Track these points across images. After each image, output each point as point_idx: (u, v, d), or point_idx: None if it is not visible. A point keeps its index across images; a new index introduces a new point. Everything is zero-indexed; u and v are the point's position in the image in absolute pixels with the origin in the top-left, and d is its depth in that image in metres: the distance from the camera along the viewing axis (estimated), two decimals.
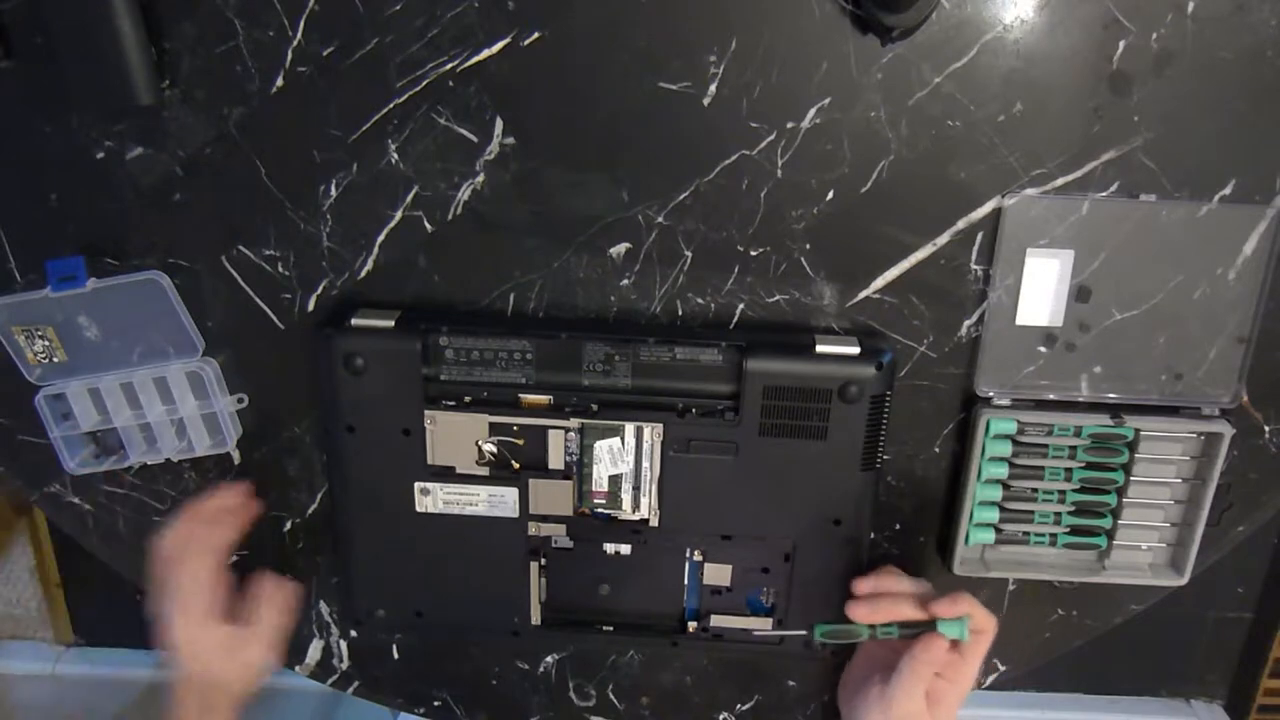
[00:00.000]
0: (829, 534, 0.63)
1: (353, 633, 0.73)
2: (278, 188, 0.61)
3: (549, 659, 0.73)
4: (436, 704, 0.75)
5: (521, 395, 0.61)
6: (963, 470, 0.64)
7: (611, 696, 0.74)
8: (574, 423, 0.61)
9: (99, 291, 0.62)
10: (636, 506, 0.63)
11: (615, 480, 0.62)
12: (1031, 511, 0.65)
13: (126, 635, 1.55)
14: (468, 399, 0.61)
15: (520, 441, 0.62)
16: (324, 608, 0.72)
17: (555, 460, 0.62)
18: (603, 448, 0.61)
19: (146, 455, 0.67)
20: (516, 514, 0.63)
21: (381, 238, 0.62)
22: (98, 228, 0.63)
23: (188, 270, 0.63)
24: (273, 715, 1.23)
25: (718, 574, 0.65)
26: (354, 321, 0.60)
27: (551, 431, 0.62)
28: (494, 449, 0.62)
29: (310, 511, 0.69)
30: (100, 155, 0.61)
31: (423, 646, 0.73)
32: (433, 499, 0.63)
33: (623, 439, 0.61)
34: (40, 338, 0.64)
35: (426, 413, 0.61)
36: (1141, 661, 1.41)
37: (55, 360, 0.65)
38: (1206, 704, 1.43)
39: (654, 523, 0.63)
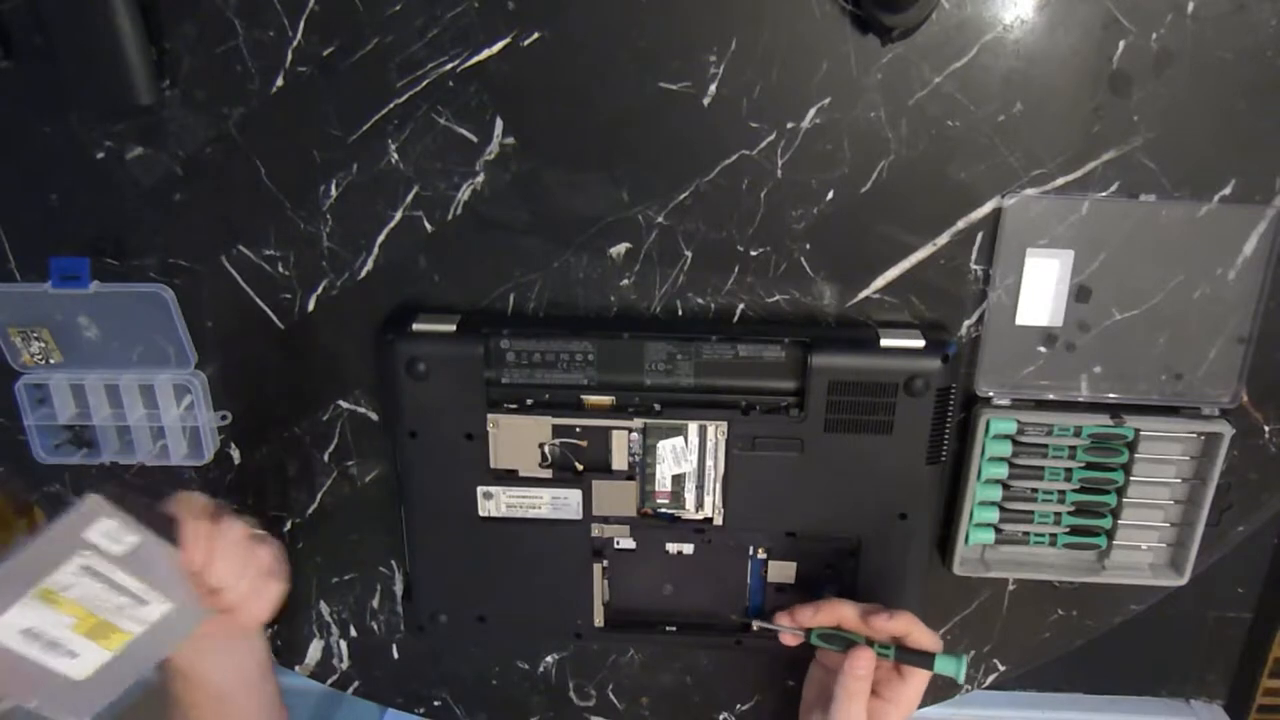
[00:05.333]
0: (895, 529, 0.63)
1: (408, 629, 0.73)
2: (278, 188, 0.61)
3: (549, 659, 0.73)
4: (436, 704, 0.75)
5: (584, 396, 0.61)
6: (963, 470, 0.64)
7: (611, 696, 0.74)
8: (637, 423, 0.61)
9: (100, 295, 0.62)
10: (700, 505, 0.63)
11: (679, 480, 0.62)
12: (1031, 511, 0.65)
13: None
14: (530, 401, 0.62)
15: (583, 443, 0.62)
16: (324, 607, 0.72)
17: (618, 461, 0.62)
18: (666, 447, 0.61)
19: (119, 455, 0.67)
20: (580, 516, 0.64)
21: (381, 238, 0.62)
22: (98, 228, 0.63)
23: (188, 270, 0.63)
24: None
25: (782, 571, 0.65)
26: (416, 326, 0.60)
27: (614, 432, 0.62)
28: (557, 451, 0.62)
29: (310, 511, 0.69)
30: (100, 155, 0.61)
31: (423, 646, 0.73)
32: (495, 503, 0.63)
33: (686, 438, 0.61)
34: (35, 339, 0.64)
35: (489, 416, 0.61)
36: (1141, 661, 1.40)
37: (51, 362, 0.65)
38: (1206, 704, 1.43)
39: (718, 521, 0.64)
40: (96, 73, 0.57)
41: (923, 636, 0.58)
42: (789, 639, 0.61)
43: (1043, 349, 0.62)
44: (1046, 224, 0.59)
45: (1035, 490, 0.64)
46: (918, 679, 0.58)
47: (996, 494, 0.64)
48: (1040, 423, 0.62)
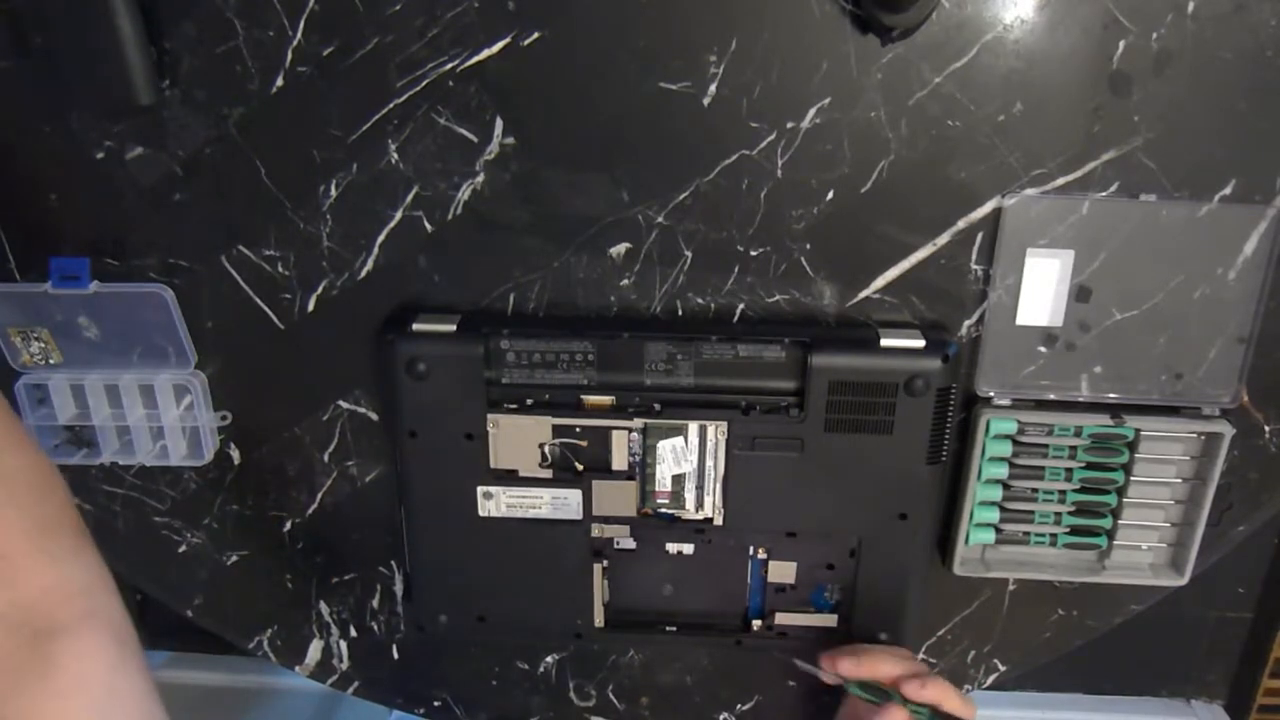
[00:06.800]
0: (895, 529, 0.63)
1: (408, 629, 0.73)
2: (278, 188, 0.61)
3: (549, 659, 0.73)
4: (436, 704, 0.75)
5: (584, 396, 0.61)
6: (963, 470, 0.64)
7: (611, 696, 0.74)
8: (637, 423, 0.61)
9: (100, 295, 0.62)
10: (700, 506, 0.63)
11: (679, 480, 0.62)
12: (1032, 511, 0.65)
13: None
14: (530, 401, 0.62)
15: (583, 443, 0.62)
16: (324, 608, 0.72)
17: (618, 461, 0.62)
18: (666, 447, 0.61)
19: (119, 455, 0.67)
20: (580, 516, 0.64)
21: (381, 238, 0.62)
22: (97, 228, 0.63)
23: (187, 270, 0.63)
24: (273, 715, 1.23)
25: (782, 571, 0.65)
26: (416, 326, 0.60)
27: (614, 432, 0.62)
28: (557, 451, 0.63)
29: (310, 511, 0.69)
30: (100, 155, 0.61)
31: (423, 646, 0.73)
32: (495, 503, 0.63)
33: (686, 438, 0.61)
34: (35, 339, 0.64)
35: (489, 416, 0.61)
36: (1141, 661, 1.40)
37: (51, 362, 0.65)
38: (1206, 704, 1.43)
39: (718, 522, 0.64)
40: (97, 73, 0.57)
41: (955, 704, 0.58)
42: (828, 679, 0.61)
43: (1043, 349, 0.62)
44: (1046, 224, 0.59)
45: (1035, 490, 0.64)
46: None
47: (997, 494, 0.64)
48: (1040, 423, 0.62)
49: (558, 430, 0.62)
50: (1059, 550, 0.66)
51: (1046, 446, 0.63)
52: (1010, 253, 0.59)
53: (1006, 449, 0.63)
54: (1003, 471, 0.64)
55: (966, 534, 0.65)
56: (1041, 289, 0.60)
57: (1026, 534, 0.66)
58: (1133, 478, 0.63)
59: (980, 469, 0.63)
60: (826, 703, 0.73)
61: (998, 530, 0.65)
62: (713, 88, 0.57)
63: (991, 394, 0.62)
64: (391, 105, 0.59)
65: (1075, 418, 0.62)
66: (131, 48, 0.56)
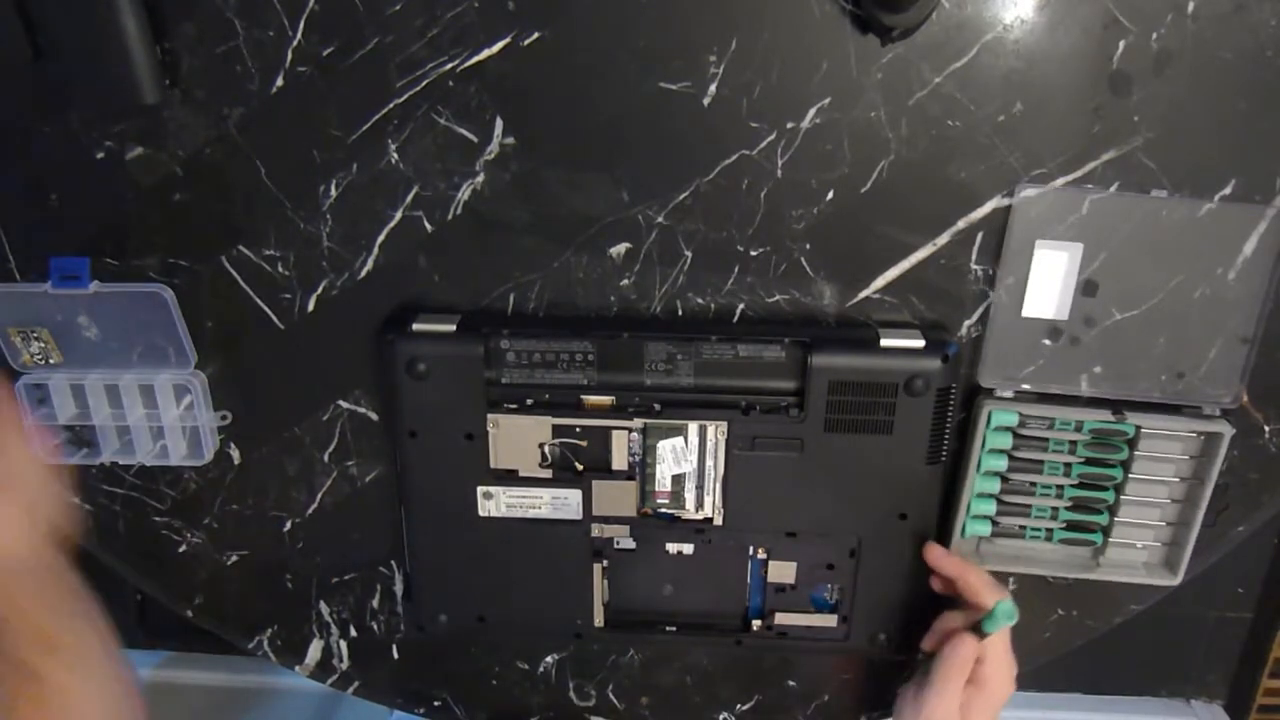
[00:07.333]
0: (895, 529, 0.63)
1: (408, 629, 0.73)
2: (278, 188, 0.61)
3: (549, 659, 0.73)
4: (436, 704, 0.75)
5: (584, 396, 0.61)
6: (962, 463, 0.64)
7: (611, 696, 0.74)
8: (637, 423, 0.61)
9: (100, 295, 0.62)
10: (700, 506, 0.63)
11: (678, 480, 0.62)
12: (1029, 505, 0.65)
13: (126, 635, 1.55)
14: (530, 401, 0.62)
15: (583, 443, 0.62)
16: (324, 608, 0.72)
17: (618, 461, 0.63)
18: (666, 447, 0.61)
19: (119, 455, 0.67)
20: (579, 516, 0.64)
21: (381, 238, 0.62)
22: (97, 228, 0.63)
23: (187, 270, 0.63)
24: (273, 715, 1.23)
25: (782, 571, 0.65)
26: (416, 326, 0.60)
27: (614, 432, 0.62)
28: (557, 451, 0.63)
29: (310, 511, 0.69)
30: (100, 155, 0.61)
31: (423, 646, 0.73)
32: (495, 503, 0.64)
33: (686, 438, 0.61)
34: (35, 339, 0.64)
35: (489, 416, 0.61)
36: (1141, 661, 1.40)
37: (51, 362, 0.65)
38: (1206, 704, 1.43)
39: (718, 522, 0.64)
40: (102, 72, 0.56)
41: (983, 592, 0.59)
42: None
43: (1047, 342, 0.61)
44: (1052, 220, 0.59)
45: (1033, 484, 0.64)
46: (999, 658, 0.59)
47: (995, 486, 0.64)
48: (1041, 416, 0.62)
49: (558, 430, 0.62)
50: (1054, 546, 0.66)
51: (1047, 440, 0.63)
52: (1018, 245, 0.59)
53: (1007, 441, 0.63)
54: (1002, 464, 0.64)
55: (963, 526, 0.65)
56: (1049, 281, 0.60)
57: (1022, 528, 0.66)
58: (1131, 475, 0.63)
59: (980, 461, 0.63)
60: (826, 702, 0.73)
61: (994, 523, 0.65)
62: (713, 88, 0.57)
63: (994, 387, 0.62)
64: (391, 105, 0.59)
65: (1077, 412, 0.62)
66: (137, 47, 0.56)
